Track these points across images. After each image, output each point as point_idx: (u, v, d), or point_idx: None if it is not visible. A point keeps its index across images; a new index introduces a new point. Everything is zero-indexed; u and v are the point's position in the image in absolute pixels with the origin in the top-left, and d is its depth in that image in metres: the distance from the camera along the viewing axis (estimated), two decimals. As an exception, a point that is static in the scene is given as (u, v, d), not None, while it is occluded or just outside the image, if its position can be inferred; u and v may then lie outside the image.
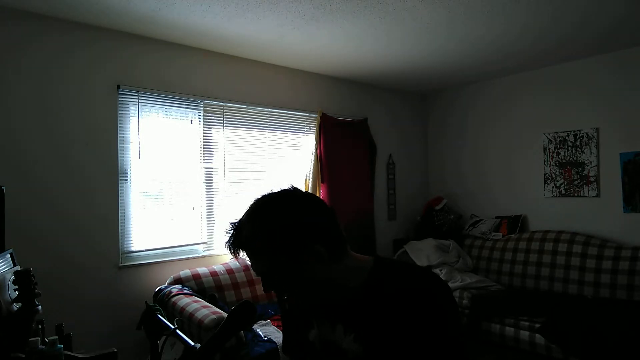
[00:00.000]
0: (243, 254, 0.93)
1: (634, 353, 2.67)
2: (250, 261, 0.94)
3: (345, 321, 0.95)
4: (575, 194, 3.99)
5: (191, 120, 3.41)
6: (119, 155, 3.03)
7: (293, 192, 0.96)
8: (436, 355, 0.85)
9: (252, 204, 0.94)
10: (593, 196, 3.87)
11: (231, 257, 3.48)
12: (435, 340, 0.85)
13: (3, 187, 1.84)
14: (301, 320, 1.06)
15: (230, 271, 3.28)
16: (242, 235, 0.91)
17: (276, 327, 2.89)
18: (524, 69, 4.26)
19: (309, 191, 4.02)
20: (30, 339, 1.31)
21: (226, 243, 0.93)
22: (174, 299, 2.80)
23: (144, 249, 3.15)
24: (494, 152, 4.64)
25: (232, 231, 0.93)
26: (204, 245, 3.47)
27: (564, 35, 3.34)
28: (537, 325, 3.13)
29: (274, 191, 0.96)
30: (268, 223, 0.90)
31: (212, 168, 3.52)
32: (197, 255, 3.41)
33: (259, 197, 0.95)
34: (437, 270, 4.05)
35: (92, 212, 2.90)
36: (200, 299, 2.80)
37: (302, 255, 0.89)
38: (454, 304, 0.93)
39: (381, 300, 0.89)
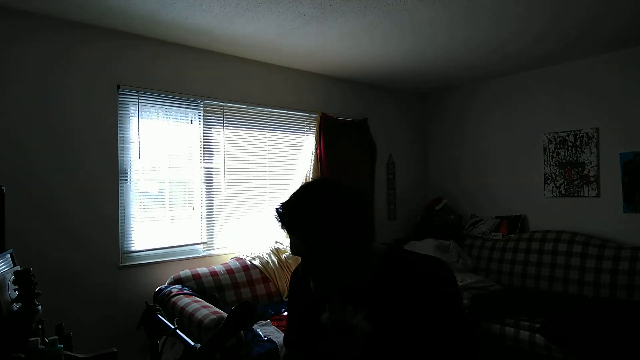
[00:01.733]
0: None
1: (634, 353, 2.67)
2: (294, 243, 0.98)
3: (356, 302, 1.01)
4: (575, 194, 3.99)
5: (191, 121, 3.41)
6: (119, 155, 3.03)
7: (336, 181, 1.02)
8: (442, 333, 0.91)
9: (300, 189, 1.00)
10: (593, 196, 3.87)
11: (231, 257, 3.49)
12: (440, 319, 0.91)
13: (3, 187, 1.84)
14: (315, 305, 1.10)
15: (230, 271, 3.28)
16: (289, 218, 0.95)
17: (276, 327, 2.89)
18: (524, 69, 4.26)
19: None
20: (30, 339, 1.31)
21: (281, 226, 0.97)
22: (174, 299, 2.80)
23: (144, 249, 3.15)
24: (494, 152, 4.64)
25: (281, 212, 0.97)
26: (204, 245, 3.47)
27: (563, 35, 3.34)
28: (537, 325, 3.13)
29: (317, 179, 1.03)
30: (322, 207, 0.95)
31: (212, 168, 3.52)
32: (197, 255, 3.41)
33: (308, 182, 1.03)
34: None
35: (92, 212, 2.91)
36: (200, 299, 2.80)
37: (354, 239, 0.96)
38: (457, 290, 0.99)
39: (391, 281, 0.96)
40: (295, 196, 0.99)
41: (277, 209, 0.98)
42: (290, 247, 1.00)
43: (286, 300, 3.36)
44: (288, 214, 0.97)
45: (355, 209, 0.97)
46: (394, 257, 1.02)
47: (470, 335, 0.96)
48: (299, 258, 1.02)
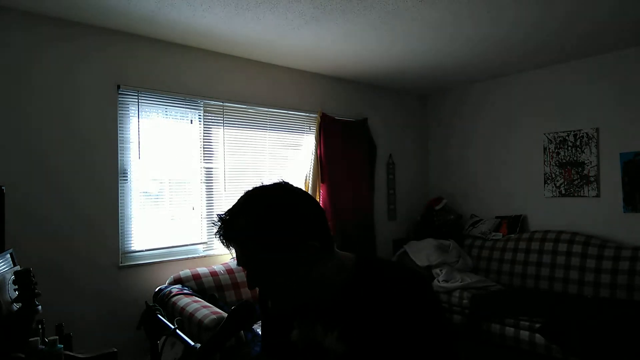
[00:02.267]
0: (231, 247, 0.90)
1: (634, 353, 2.67)
2: (237, 254, 0.89)
3: (327, 320, 0.92)
4: (575, 194, 3.99)
5: (191, 120, 3.41)
6: (119, 155, 3.03)
7: (285, 185, 0.93)
8: (422, 353, 0.84)
9: (244, 196, 0.91)
10: (593, 196, 3.87)
11: (231, 257, 3.49)
12: (418, 339, 0.84)
13: (3, 187, 1.84)
14: (282, 322, 1.02)
15: (230, 271, 3.28)
16: (233, 227, 0.87)
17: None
18: (524, 69, 4.26)
19: (309, 191, 4.02)
20: (30, 339, 1.31)
21: (215, 234, 0.88)
22: (174, 299, 2.80)
23: (144, 249, 3.15)
24: (494, 152, 4.64)
25: (221, 222, 0.88)
26: (204, 245, 3.47)
27: (563, 35, 3.34)
28: (537, 325, 3.13)
29: (265, 184, 0.93)
30: (262, 215, 0.86)
31: (212, 168, 3.52)
32: (197, 255, 3.41)
33: (251, 189, 0.92)
34: (437, 270, 4.06)
35: (92, 212, 2.90)
36: (200, 299, 2.80)
37: (295, 251, 0.86)
38: (437, 302, 0.92)
39: (364, 298, 0.88)
40: (236, 203, 0.90)
41: (217, 215, 0.89)
42: (237, 262, 0.91)
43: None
44: (227, 221, 0.87)
45: (303, 216, 0.88)
46: (364, 270, 0.92)
47: (451, 351, 0.88)
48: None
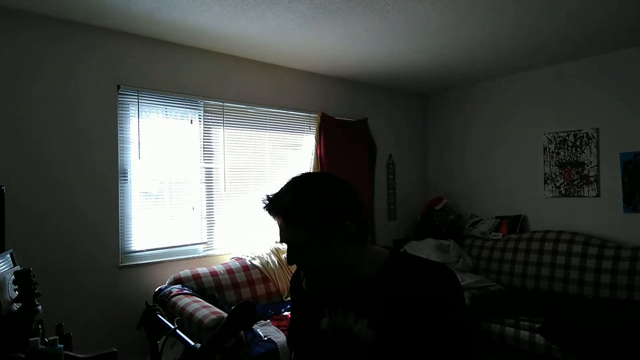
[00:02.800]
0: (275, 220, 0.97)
1: (634, 353, 2.67)
2: (283, 229, 0.96)
3: (358, 308, 0.98)
4: (575, 194, 3.99)
5: (191, 120, 3.41)
6: (119, 155, 3.03)
7: (331, 174, 1.02)
8: (446, 344, 0.89)
9: (293, 178, 0.99)
10: (593, 196, 3.87)
11: (231, 257, 3.49)
12: (445, 331, 0.89)
13: (3, 187, 1.84)
14: (313, 309, 1.07)
15: (230, 271, 3.28)
16: (282, 202, 0.94)
17: (276, 327, 2.89)
18: (524, 69, 4.26)
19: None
20: (30, 339, 1.31)
21: (264, 207, 0.96)
22: (174, 299, 2.80)
23: (144, 249, 3.15)
24: (494, 152, 4.64)
25: (269, 199, 0.96)
26: (204, 245, 3.47)
27: (563, 35, 3.34)
28: (537, 325, 3.13)
29: (312, 172, 1.00)
30: (309, 195, 0.94)
31: (212, 168, 3.52)
32: (197, 255, 3.41)
33: (299, 174, 1.01)
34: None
35: (92, 212, 2.90)
36: (200, 299, 2.80)
37: (335, 230, 0.93)
38: (463, 296, 0.98)
39: (395, 288, 0.93)
40: (288, 185, 0.98)
41: (272, 195, 0.97)
42: (280, 237, 0.98)
43: (286, 300, 3.36)
44: (284, 197, 0.95)
45: (343, 198, 0.97)
46: (396, 262, 0.99)
47: (473, 344, 0.94)
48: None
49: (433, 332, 0.88)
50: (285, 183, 0.99)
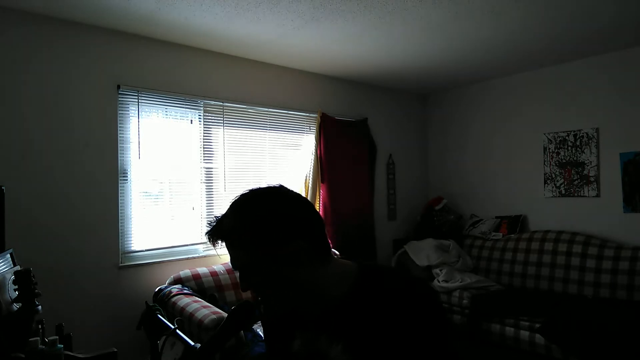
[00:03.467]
0: (222, 245, 0.92)
1: (634, 353, 2.67)
2: (230, 254, 0.91)
3: (330, 331, 0.90)
4: (575, 194, 3.99)
5: (191, 120, 3.41)
6: (119, 155, 3.03)
7: (279, 188, 0.94)
8: None
9: (236, 198, 0.92)
10: (593, 196, 3.87)
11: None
12: (424, 350, 0.83)
13: (3, 187, 1.84)
14: (283, 331, 1.00)
15: (230, 271, 3.28)
16: (222, 226, 0.89)
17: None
18: (524, 69, 4.26)
19: (309, 191, 4.02)
20: (30, 339, 1.31)
21: (206, 233, 0.91)
22: (174, 299, 2.80)
23: (144, 249, 3.15)
24: (494, 152, 4.64)
25: (213, 222, 0.91)
26: (204, 245, 3.46)
27: (563, 35, 3.34)
28: (537, 325, 3.13)
29: (260, 186, 0.94)
30: (250, 214, 0.88)
31: (212, 168, 3.52)
32: (197, 255, 3.41)
33: (245, 191, 0.93)
34: (437, 270, 4.06)
35: (92, 212, 2.91)
36: (200, 299, 2.80)
37: (282, 250, 0.86)
38: (443, 312, 0.90)
39: (369, 309, 0.86)
40: (230, 205, 0.92)
41: (215, 218, 0.91)
42: (231, 263, 0.93)
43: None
44: (219, 219, 0.90)
45: (289, 215, 0.88)
46: (367, 279, 0.90)
47: None
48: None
49: (410, 356, 0.82)
50: (229, 203, 0.92)
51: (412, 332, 0.82)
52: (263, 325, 1.11)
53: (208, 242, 0.91)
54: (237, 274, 0.93)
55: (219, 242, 0.90)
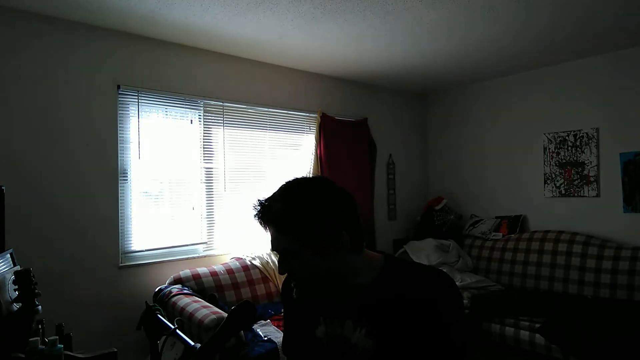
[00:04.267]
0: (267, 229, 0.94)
1: (634, 353, 2.67)
2: (274, 237, 0.93)
3: (355, 317, 0.95)
4: (575, 194, 3.99)
5: (191, 120, 3.41)
6: (119, 155, 3.03)
7: (325, 180, 0.98)
8: (442, 354, 0.87)
9: (285, 184, 0.95)
10: (593, 196, 3.87)
11: (231, 257, 3.49)
12: (442, 340, 0.87)
13: (3, 187, 1.84)
14: (307, 317, 1.05)
15: (230, 271, 3.28)
16: (273, 211, 0.91)
17: (276, 327, 2.89)
18: (524, 69, 4.26)
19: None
20: (30, 339, 1.31)
21: (255, 215, 0.93)
22: (174, 299, 2.80)
23: (144, 249, 3.15)
24: (494, 152, 4.64)
25: (260, 206, 0.93)
26: (204, 245, 3.47)
27: (563, 35, 3.34)
28: (537, 325, 3.13)
29: (307, 176, 0.98)
30: (302, 203, 0.91)
31: (212, 168, 3.52)
32: (197, 255, 3.41)
33: (292, 179, 0.97)
34: (437, 270, 4.05)
35: (92, 212, 2.90)
36: (200, 299, 2.80)
37: (328, 240, 0.90)
38: (461, 303, 0.95)
39: (393, 298, 0.90)
40: (279, 192, 0.94)
41: (264, 201, 0.93)
42: (272, 245, 0.95)
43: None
44: (267, 205, 0.92)
45: (337, 207, 0.93)
46: (393, 269, 0.96)
47: (470, 351, 0.92)
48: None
49: (431, 341, 0.87)
50: (277, 189, 0.95)
51: (430, 319, 0.87)
52: (285, 311, 1.15)
53: (259, 224, 0.94)
54: (277, 257, 0.95)
55: (267, 225, 0.93)
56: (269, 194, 0.95)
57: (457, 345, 0.89)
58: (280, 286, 3.51)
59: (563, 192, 4.08)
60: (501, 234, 4.33)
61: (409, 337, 0.88)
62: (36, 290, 1.48)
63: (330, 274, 0.93)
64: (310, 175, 0.98)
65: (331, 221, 0.90)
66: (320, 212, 0.90)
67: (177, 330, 1.13)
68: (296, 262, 0.92)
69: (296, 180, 0.97)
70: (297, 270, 0.94)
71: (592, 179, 3.88)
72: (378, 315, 0.92)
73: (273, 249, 0.95)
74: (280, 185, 0.96)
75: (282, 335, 1.19)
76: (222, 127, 3.57)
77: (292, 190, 0.94)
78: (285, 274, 0.98)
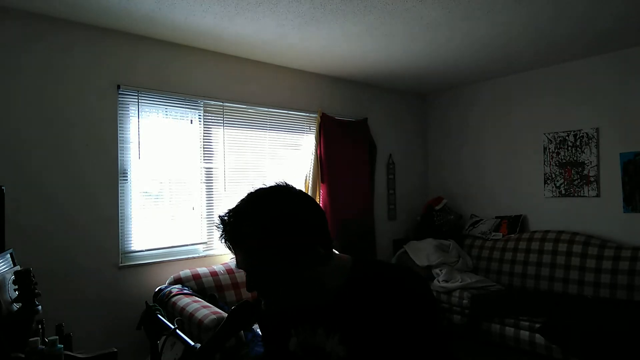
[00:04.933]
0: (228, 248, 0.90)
1: (634, 353, 2.67)
2: (238, 256, 0.89)
3: (327, 323, 0.92)
4: (575, 194, 3.99)
5: (191, 120, 3.41)
6: (119, 155, 3.03)
7: (286, 188, 0.92)
8: (419, 353, 0.85)
9: (247, 198, 0.90)
10: (593, 196, 3.87)
11: (231, 257, 3.49)
12: (415, 340, 0.84)
13: (3, 187, 1.84)
14: (278, 330, 1.02)
15: (230, 271, 3.28)
16: (238, 232, 0.87)
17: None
18: (524, 69, 4.26)
19: (309, 191, 4.02)
20: (30, 339, 1.31)
21: (220, 237, 0.88)
22: (174, 299, 2.80)
23: (144, 249, 3.15)
24: (494, 152, 4.64)
25: (223, 225, 0.88)
26: (204, 245, 3.47)
27: (563, 35, 3.34)
28: (537, 325, 3.13)
29: (267, 185, 0.92)
30: (267, 221, 0.86)
31: (212, 168, 3.52)
32: (197, 255, 3.41)
33: (253, 191, 0.91)
34: (437, 270, 4.05)
35: (92, 212, 2.90)
36: (200, 299, 2.80)
37: (301, 257, 0.87)
38: (433, 301, 0.92)
39: (362, 300, 0.88)
40: (240, 204, 0.90)
41: (220, 217, 0.88)
42: (236, 262, 0.91)
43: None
44: (232, 222, 0.87)
45: (307, 222, 0.88)
46: (362, 271, 0.93)
47: (447, 351, 0.88)
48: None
49: (404, 341, 0.84)
50: (239, 204, 0.90)
51: (403, 319, 0.84)
52: (260, 326, 1.11)
53: (225, 246, 0.89)
54: (244, 274, 0.91)
55: (233, 248, 0.89)
56: (232, 209, 0.90)
57: (431, 343, 0.86)
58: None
59: (563, 192, 4.08)
60: (501, 234, 4.33)
61: (381, 339, 0.85)
62: (36, 290, 1.48)
63: (300, 284, 0.90)
64: (274, 184, 0.93)
65: (303, 240, 0.87)
66: (291, 233, 0.86)
67: (177, 330, 1.13)
68: (264, 278, 0.89)
69: (258, 193, 0.91)
70: (267, 286, 0.90)
71: (592, 179, 3.88)
72: (349, 319, 0.88)
73: (239, 268, 0.91)
74: (242, 201, 0.91)
75: (263, 348, 1.15)
76: (222, 127, 3.57)
77: (255, 207, 0.89)
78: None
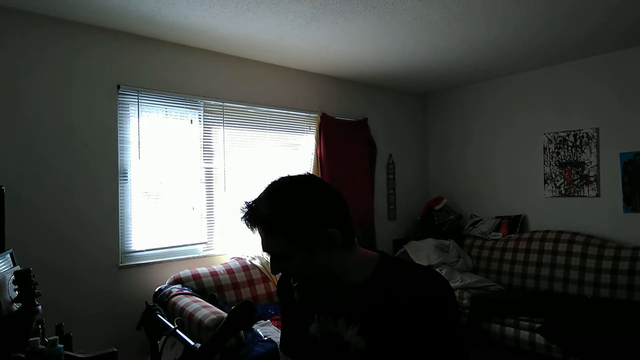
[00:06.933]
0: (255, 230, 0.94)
1: (634, 353, 2.67)
2: (264, 239, 0.93)
3: (348, 314, 0.95)
4: (575, 194, 3.99)
5: (191, 120, 3.41)
6: (119, 155, 3.03)
7: (311, 177, 0.98)
8: (437, 353, 0.87)
9: (272, 184, 0.95)
10: (593, 196, 3.87)
11: (231, 257, 3.49)
12: (437, 339, 0.87)
13: (3, 187, 1.84)
14: (302, 314, 1.05)
15: (230, 271, 3.28)
16: (260, 212, 0.91)
17: (276, 326, 2.89)
18: (524, 69, 4.26)
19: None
20: (30, 339, 1.31)
21: (242, 218, 0.93)
22: (174, 299, 2.80)
23: (144, 249, 3.15)
24: (494, 152, 4.64)
25: (248, 208, 0.93)
26: (204, 245, 3.47)
27: (563, 35, 3.34)
28: (537, 325, 3.13)
29: (292, 174, 0.97)
30: (288, 203, 0.90)
31: (212, 168, 3.52)
32: (197, 255, 3.41)
33: (278, 178, 0.96)
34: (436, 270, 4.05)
35: (92, 212, 2.90)
36: (200, 299, 2.80)
37: (318, 238, 0.90)
38: (456, 304, 0.95)
39: (386, 296, 0.90)
40: (266, 192, 0.93)
41: (250, 203, 0.92)
42: (262, 247, 0.94)
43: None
44: (253, 206, 0.92)
45: (324, 204, 0.92)
46: (387, 268, 0.95)
47: (465, 351, 0.90)
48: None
49: (425, 341, 0.86)
50: (263, 190, 0.94)
51: (424, 320, 0.86)
52: (282, 308, 1.15)
53: (246, 226, 0.93)
54: (269, 257, 0.95)
55: (256, 228, 0.92)
56: (256, 195, 0.94)
57: (452, 346, 0.88)
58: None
59: (563, 192, 4.08)
60: (501, 233, 4.33)
61: (402, 337, 0.87)
62: (36, 291, 1.48)
63: (323, 271, 0.93)
64: (298, 174, 0.98)
65: (320, 219, 0.90)
66: (308, 211, 0.90)
67: (177, 330, 1.13)
68: (287, 262, 0.92)
69: (282, 179, 0.96)
70: (289, 270, 0.95)
71: (592, 179, 3.88)
72: (370, 313, 0.91)
73: (264, 250, 0.95)
74: (266, 185, 0.95)
75: (280, 333, 1.19)
76: (222, 127, 3.57)
77: (279, 189, 0.93)
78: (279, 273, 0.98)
